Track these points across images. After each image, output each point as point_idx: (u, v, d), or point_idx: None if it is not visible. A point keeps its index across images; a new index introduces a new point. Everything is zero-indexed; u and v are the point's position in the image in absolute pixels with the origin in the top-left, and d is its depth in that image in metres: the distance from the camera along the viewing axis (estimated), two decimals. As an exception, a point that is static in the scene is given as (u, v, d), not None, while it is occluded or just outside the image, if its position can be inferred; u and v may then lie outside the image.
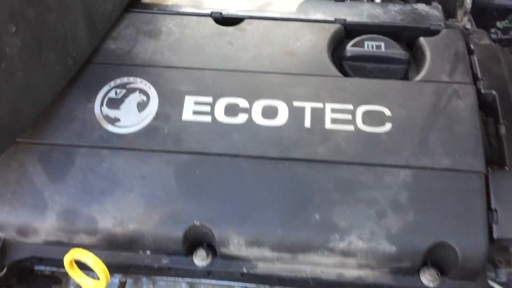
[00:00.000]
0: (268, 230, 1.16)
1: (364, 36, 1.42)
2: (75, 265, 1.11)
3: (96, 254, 1.17)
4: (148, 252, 1.22)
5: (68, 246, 1.22)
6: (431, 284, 1.19)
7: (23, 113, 1.15)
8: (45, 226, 1.19)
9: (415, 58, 1.42)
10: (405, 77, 1.39)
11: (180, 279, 1.31)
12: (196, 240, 1.22)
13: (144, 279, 1.48)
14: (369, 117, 1.27)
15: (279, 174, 1.21)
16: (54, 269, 1.35)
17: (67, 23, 1.25)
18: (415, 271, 1.20)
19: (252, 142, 1.25)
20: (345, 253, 1.16)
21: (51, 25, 1.20)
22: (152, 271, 1.29)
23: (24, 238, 1.22)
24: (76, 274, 1.11)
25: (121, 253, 1.24)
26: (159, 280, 1.49)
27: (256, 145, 1.24)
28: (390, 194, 1.18)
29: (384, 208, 1.17)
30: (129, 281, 1.49)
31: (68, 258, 1.07)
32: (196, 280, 1.30)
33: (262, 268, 1.23)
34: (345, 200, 1.18)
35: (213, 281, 1.31)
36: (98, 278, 1.11)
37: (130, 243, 1.19)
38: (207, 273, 1.28)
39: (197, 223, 1.17)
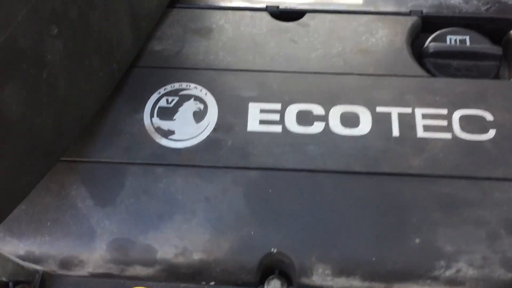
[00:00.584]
0: (360, 257, 1.05)
1: (445, 30, 1.32)
2: (132, 306, 1.01)
3: (153, 286, 1.08)
4: (212, 283, 1.12)
5: (118, 278, 1.10)
6: None
7: (67, 127, 1.04)
8: (93, 258, 1.06)
9: (506, 54, 1.34)
10: (497, 75, 1.31)
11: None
12: (268, 268, 1.12)
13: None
14: (468, 123, 1.16)
15: (367, 191, 1.10)
16: (100, 304, 1.25)
17: (111, 22, 1.15)
18: None
19: (332, 155, 1.15)
20: (452, 283, 1.05)
21: (94, 25, 1.09)
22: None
23: (67, 271, 1.09)
24: (133, 316, 1.01)
25: (180, 285, 1.14)
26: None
27: (337, 158, 1.14)
28: (501, 212, 1.07)
29: (496, 229, 1.06)
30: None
31: (126, 297, 0.97)
32: None
33: None
34: (448, 220, 1.08)
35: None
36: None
37: (193, 274, 1.08)
38: None
39: (274, 250, 1.07)
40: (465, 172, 1.09)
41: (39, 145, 0.96)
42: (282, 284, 1.13)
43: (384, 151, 1.12)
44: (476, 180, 1.09)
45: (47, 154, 0.99)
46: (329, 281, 1.06)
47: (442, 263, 1.03)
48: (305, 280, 1.07)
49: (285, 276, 1.13)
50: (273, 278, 1.12)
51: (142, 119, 1.18)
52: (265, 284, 1.13)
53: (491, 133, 1.14)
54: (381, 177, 1.10)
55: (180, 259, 1.05)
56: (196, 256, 1.04)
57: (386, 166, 1.11)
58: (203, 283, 1.10)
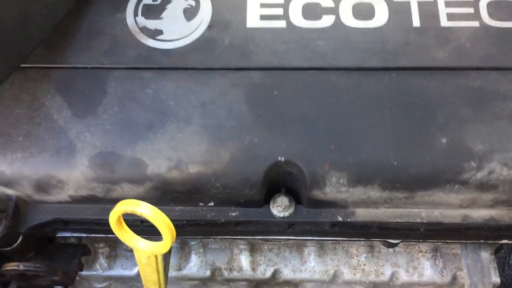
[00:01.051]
0: (379, 162, 0.94)
1: None
2: (123, 223, 0.89)
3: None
4: (211, 204, 1.01)
5: (104, 202, 1.00)
6: None
7: (35, 19, 0.91)
8: (74, 177, 0.94)
9: None
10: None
11: (250, 237, 1.11)
12: (273, 185, 1.01)
13: (193, 242, 1.29)
14: (497, 9, 1.01)
15: (385, 88, 0.97)
16: (83, 235, 1.14)
17: None
18: None
19: (345, 50, 1.01)
20: (483, 186, 0.95)
21: None
22: (214, 229, 1.09)
23: (45, 196, 0.98)
24: (127, 235, 0.88)
25: (175, 208, 1.03)
26: (211, 242, 1.30)
27: (350, 53, 1.01)
28: None
29: (533, 124, 0.96)
30: (174, 245, 1.29)
31: (116, 213, 0.85)
32: (271, 237, 1.10)
33: (361, 214, 1.01)
34: (479, 116, 0.95)
35: (294, 237, 1.11)
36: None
37: (190, 192, 0.97)
38: (287, 226, 1.07)
39: (281, 159, 0.95)
40: (495, 63, 0.97)
41: (3, 34, 0.82)
42: (290, 201, 1.02)
43: (404, 43, 0.99)
44: (508, 71, 0.97)
45: (12, 47, 0.85)
46: (343, 192, 0.96)
47: (473, 164, 0.92)
48: (317, 193, 0.96)
49: (293, 194, 1.03)
50: (279, 196, 1.01)
51: (125, 18, 1.03)
52: (271, 202, 1.02)
53: (524, 19, 1.02)
54: (401, 72, 0.97)
55: (175, 174, 0.93)
56: (193, 169, 0.93)
57: (406, 60, 0.98)
58: (201, 204, 0.99)
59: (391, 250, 1.29)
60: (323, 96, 0.96)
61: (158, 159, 0.93)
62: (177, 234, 1.05)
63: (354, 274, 1.26)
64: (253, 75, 0.98)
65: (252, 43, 1.00)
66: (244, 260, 1.26)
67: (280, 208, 1.00)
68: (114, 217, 0.84)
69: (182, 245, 1.28)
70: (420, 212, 1.01)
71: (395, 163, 0.93)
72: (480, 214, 1.01)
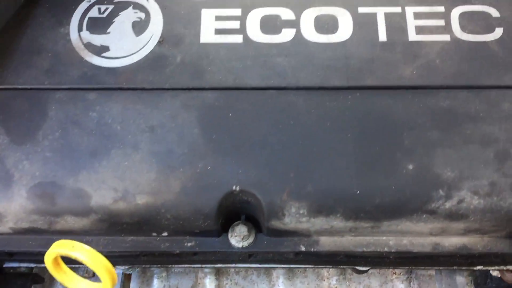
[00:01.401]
0: (341, 191, 0.89)
1: None
2: (62, 263, 0.83)
3: (91, 242, 0.90)
4: (165, 234, 0.95)
5: (48, 234, 0.93)
6: None
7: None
8: (13, 209, 0.87)
9: None
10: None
11: (210, 266, 1.06)
12: (231, 213, 0.96)
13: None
14: (470, 22, 0.96)
15: (349, 110, 0.91)
16: (32, 264, 1.08)
17: None
18: None
19: (306, 68, 0.95)
20: (453, 216, 0.89)
21: None
22: (171, 259, 1.03)
23: (-16, 228, 0.94)
24: (65, 276, 0.83)
25: (126, 238, 0.97)
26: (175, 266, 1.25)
27: (311, 71, 0.95)
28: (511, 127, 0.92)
29: (506, 147, 0.90)
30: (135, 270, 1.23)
31: (50, 256, 0.79)
32: (233, 265, 1.04)
33: (326, 243, 0.97)
34: (448, 140, 0.90)
35: (257, 265, 1.05)
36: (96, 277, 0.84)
37: (140, 224, 0.92)
38: (248, 256, 1.02)
39: (236, 188, 0.90)
40: (467, 81, 0.91)
41: None
42: (249, 230, 0.96)
43: (369, 60, 0.93)
44: (480, 89, 0.91)
45: None
46: (304, 222, 0.90)
47: (441, 192, 0.87)
48: (276, 223, 0.90)
49: (253, 221, 0.97)
50: (238, 224, 0.96)
51: (68, 33, 0.97)
52: (229, 231, 0.96)
53: (498, 32, 0.96)
54: (366, 91, 0.91)
55: (121, 205, 0.87)
56: (141, 200, 0.87)
57: (371, 78, 0.92)
58: (154, 234, 0.93)
59: (364, 272, 1.24)
60: (281, 118, 0.90)
61: (102, 189, 0.87)
62: (132, 264, 1.00)
63: (325, 297, 1.21)
64: (207, 95, 0.91)
65: (206, 60, 0.94)
66: (209, 284, 1.21)
67: (239, 238, 0.94)
68: (49, 259, 0.78)
69: (143, 268, 1.22)
70: (388, 240, 0.96)
71: (358, 192, 0.87)
72: (451, 242, 0.95)
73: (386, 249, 0.95)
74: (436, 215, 0.88)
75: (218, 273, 1.21)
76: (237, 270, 1.22)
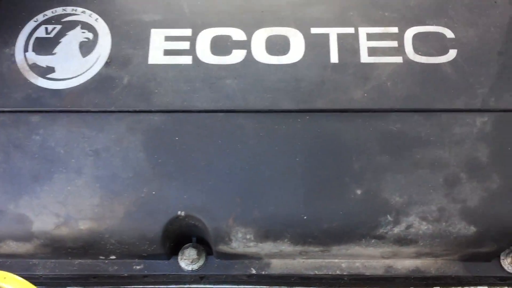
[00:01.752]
0: (288, 216, 0.87)
1: None
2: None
3: (37, 265, 0.89)
4: (112, 257, 0.94)
5: None
6: None
7: None
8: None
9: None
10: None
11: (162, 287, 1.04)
12: (180, 236, 0.94)
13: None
14: (423, 43, 0.95)
15: (298, 134, 0.90)
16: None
17: None
18: (494, 256, 0.94)
19: (256, 90, 0.94)
20: (402, 241, 0.88)
21: None
22: (122, 281, 1.01)
23: None
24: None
25: (73, 261, 0.95)
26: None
27: (261, 94, 0.93)
28: (462, 152, 0.90)
29: (455, 173, 0.89)
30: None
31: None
32: (185, 286, 1.03)
33: (277, 266, 0.95)
34: (398, 165, 0.89)
35: (209, 286, 1.04)
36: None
37: (84, 248, 0.90)
38: (200, 278, 1.01)
39: (181, 213, 0.88)
40: (418, 104, 0.90)
41: None
42: (199, 253, 0.95)
43: (320, 82, 0.92)
44: (432, 113, 0.90)
45: None
46: (252, 247, 0.89)
47: (389, 218, 0.85)
48: (224, 248, 0.89)
49: (204, 243, 0.96)
50: (188, 247, 0.94)
51: (13, 54, 0.95)
52: (179, 254, 0.95)
53: (452, 53, 0.94)
54: (316, 114, 0.90)
55: (63, 231, 0.85)
56: (84, 226, 0.85)
57: (321, 101, 0.91)
58: (102, 257, 0.91)
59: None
60: (229, 142, 0.89)
61: (44, 214, 0.85)
62: (83, 285, 0.99)
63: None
64: (153, 118, 0.90)
65: (154, 82, 0.92)
66: (167, 302, 1.19)
67: (188, 261, 0.93)
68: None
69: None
70: (340, 263, 0.94)
71: (305, 217, 0.86)
72: (404, 265, 0.94)
73: (338, 272, 0.94)
74: (385, 240, 0.87)
75: (176, 292, 1.20)
76: (195, 288, 1.21)
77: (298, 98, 0.91)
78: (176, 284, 1.02)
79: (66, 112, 0.90)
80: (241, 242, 0.87)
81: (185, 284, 1.02)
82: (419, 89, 0.91)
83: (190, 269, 0.93)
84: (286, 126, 0.89)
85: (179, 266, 0.93)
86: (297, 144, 0.88)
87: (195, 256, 0.93)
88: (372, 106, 0.90)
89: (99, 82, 0.92)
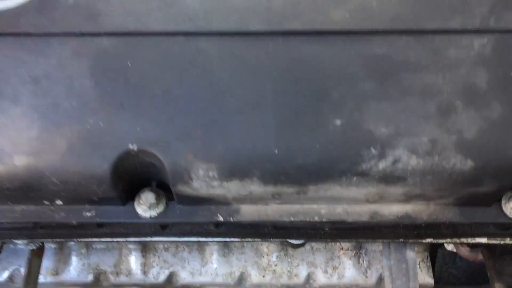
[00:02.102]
0: (257, 150, 0.76)
1: None
2: None
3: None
4: (59, 203, 0.83)
5: None
6: None
7: None
8: None
9: None
10: None
11: (121, 239, 0.93)
12: (137, 178, 0.83)
13: (71, 243, 1.10)
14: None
15: (269, 58, 0.77)
16: None
17: None
18: (494, 199, 0.83)
19: (220, 10, 0.82)
20: (388, 179, 0.77)
21: None
22: (73, 232, 0.90)
23: None
24: None
25: (15, 208, 0.84)
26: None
27: (226, 14, 0.81)
28: (458, 77, 0.78)
29: (449, 100, 0.77)
30: (50, 246, 1.10)
31: None
32: (145, 239, 0.92)
33: (248, 213, 0.84)
34: (383, 92, 0.77)
35: (173, 238, 0.93)
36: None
37: (22, 189, 0.79)
38: (161, 228, 0.90)
39: (133, 147, 0.76)
40: (407, 25, 0.78)
41: None
42: (158, 198, 0.84)
43: (295, 2, 0.80)
44: (423, 35, 0.78)
45: None
46: (217, 187, 0.77)
47: (373, 151, 0.74)
48: (184, 189, 0.78)
49: (165, 189, 0.85)
50: (145, 191, 0.83)
51: None
52: (136, 199, 0.84)
53: (446, -34, 0.82)
54: (289, 37, 0.78)
55: None
56: (19, 162, 0.73)
57: (296, 22, 0.78)
58: (46, 202, 0.80)
59: (307, 247, 1.12)
60: (189, 68, 0.77)
61: None
62: (30, 237, 0.88)
63: (264, 276, 1.09)
64: (102, 41, 0.78)
65: (103, 1, 0.80)
66: (134, 262, 1.09)
67: (145, 206, 0.82)
68: None
69: (60, 245, 1.10)
70: (320, 209, 0.83)
71: (277, 151, 0.74)
72: (392, 210, 0.83)
73: (317, 219, 0.83)
74: (369, 178, 0.76)
75: (144, 250, 1.09)
76: (166, 246, 1.10)
77: (269, 18, 0.78)
78: (136, 236, 0.91)
79: (2, 36, 0.78)
80: (203, 181, 0.76)
81: (146, 236, 0.91)
82: (408, 8, 0.78)
83: (148, 216, 0.82)
84: (255, 50, 0.77)
85: (136, 213, 0.82)
86: (267, 70, 0.76)
87: (153, 201, 0.82)
88: (355, 27, 0.77)
89: (41, 2, 0.80)
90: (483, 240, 0.92)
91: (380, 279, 1.11)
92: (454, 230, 0.90)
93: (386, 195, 0.79)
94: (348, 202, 0.82)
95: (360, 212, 0.83)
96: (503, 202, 0.82)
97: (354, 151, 0.74)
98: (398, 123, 0.74)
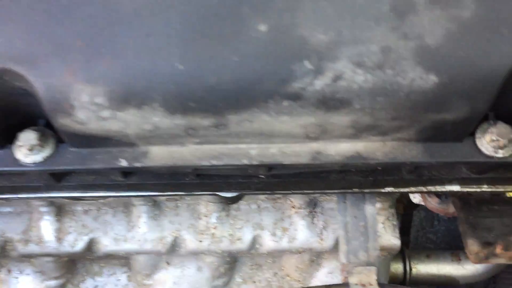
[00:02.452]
0: (155, 67, 0.59)
1: None
2: None
3: None
4: None
5: None
6: (495, 154, 0.67)
7: None
8: None
9: None
10: None
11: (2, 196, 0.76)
12: (12, 111, 0.65)
13: None
14: None
15: None
16: None
17: None
18: (466, 132, 0.66)
19: None
20: (328, 102, 0.59)
21: None
22: None
23: None
24: None
25: None
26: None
27: None
28: None
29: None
30: None
31: None
32: (38, 195, 0.74)
33: (158, 156, 0.67)
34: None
35: (73, 194, 0.76)
36: None
37: None
38: (55, 180, 0.72)
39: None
40: None
41: None
42: (42, 138, 0.66)
43: None
44: None
45: None
46: (110, 119, 0.60)
47: (308, 65, 0.57)
48: (67, 122, 0.60)
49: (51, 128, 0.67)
50: (25, 131, 0.65)
51: None
52: (14, 141, 0.66)
53: None
54: None
55: None
56: None
57: None
58: None
59: (253, 206, 0.95)
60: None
61: None
62: None
63: (201, 241, 0.92)
64: None
65: None
66: (46, 228, 0.91)
67: (25, 149, 0.64)
68: None
69: None
70: (249, 149, 0.66)
71: (182, 67, 0.57)
72: (339, 149, 0.66)
73: (245, 161, 0.66)
74: (303, 102, 0.58)
75: (59, 213, 0.91)
76: (86, 209, 0.92)
77: None
78: (25, 192, 0.73)
79: None
80: (89, 110, 0.58)
81: (38, 192, 0.73)
82: None
83: (31, 162, 0.64)
84: None
85: (14, 158, 0.64)
86: None
87: (34, 142, 0.64)
88: None
89: None
90: (455, 188, 0.76)
91: (338, 242, 0.95)
92: (418, 175, 0.73)
93: (329, 127, 0.62)
94: (284, 139, 0.65)
95: (299, 152, 0.66)
96: (477, 136, 0.65)
97: (283, 65, 0.56)
98: (339, 27, 0.56)
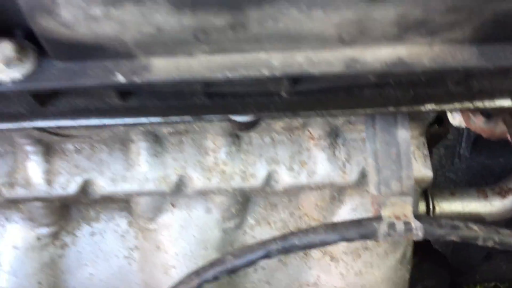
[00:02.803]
0: None
1: None
2: None
3: None
4: None
5: None
6: None
7: None
8: None
9: None
10: None
11: None
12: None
13: None
14: None
15: None
16: None
17: None
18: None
19: None
20: None
21: None
22: None
23: None
24: None
25: None
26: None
27: None
28: None
29: None
30: None
31: None
32: (20, 124, 0.64)
33: (162, 68, 0.56)
34: None
35: (63, 122, 0.65)
36: None
37: None
38: (38, 103, 0.61)
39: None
40: None
41: None
42: (21, 51, 0.55)
43: None
44: None
45: None
46: (103, 20, 0.49)
47: None
48: (49, 23, 0.49)
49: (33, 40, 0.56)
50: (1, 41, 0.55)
51: None
52: None
53: None
54: None
55: None
56: None
57: None
58: None
59: (267, 140, 0.85)
60: None
61: None
62: None
63: (209, 179, 0.83)
64: None
65: None
66: (33, 169, 0.81)
67: (2, 63, 0.54)
68: None
69: None
70: (270, 58, 0.56)
71: None
72: (378, 55, 0.56)
73: (265, 72, 0.56)
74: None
75: (48, 153, 0.81)
76: (78, 147, 0.82)
77: None
78: (6, 122, 0.63)
79: None
80: (76, 6, 0.47)
81: (19, 120, 0.63)
82: None
83: (8, 79, 0.53)
84: None
85: (-14, 78, 0.54)
86: None
87: (11, 54, 0.53)
88: None
89: None
90: (507, 102, 0.67)
91: (363, 175, 0.86)
92: (467, 87, 0.64)
93: (370, 24, 0.51)
94: (313, 44, 0.54)
95: (330, 60, 0.55)
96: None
97: None
98: None
